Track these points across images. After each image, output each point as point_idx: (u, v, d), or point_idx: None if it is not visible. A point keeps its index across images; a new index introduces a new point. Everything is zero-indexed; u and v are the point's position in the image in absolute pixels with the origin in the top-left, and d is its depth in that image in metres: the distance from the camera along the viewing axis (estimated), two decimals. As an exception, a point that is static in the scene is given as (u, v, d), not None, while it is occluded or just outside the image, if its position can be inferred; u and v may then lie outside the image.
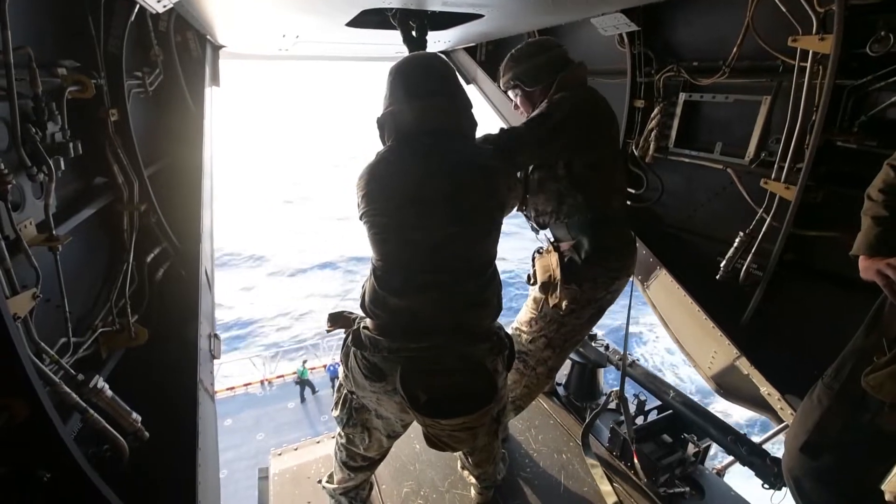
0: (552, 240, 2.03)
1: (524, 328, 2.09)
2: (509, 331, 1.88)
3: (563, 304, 1.90)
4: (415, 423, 1.67)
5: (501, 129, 1.82)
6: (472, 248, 1.46)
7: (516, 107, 2.07)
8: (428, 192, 1.37)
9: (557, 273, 1.89)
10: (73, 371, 1.19)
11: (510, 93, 2.04)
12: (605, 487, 2.20)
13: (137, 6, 1.62)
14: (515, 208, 1.99)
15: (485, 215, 1.46)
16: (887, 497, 1.28)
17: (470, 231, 1.44)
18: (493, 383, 1.46)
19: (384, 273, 1.44)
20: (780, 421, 2.33)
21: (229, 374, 14.40)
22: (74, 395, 1.12)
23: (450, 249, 1.41)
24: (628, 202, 3.22)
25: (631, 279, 2.06)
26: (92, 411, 1.16)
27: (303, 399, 13.67)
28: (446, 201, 1.38)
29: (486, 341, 1.51)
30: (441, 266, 1.42)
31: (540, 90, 1.92)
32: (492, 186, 1.46)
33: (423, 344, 1.41)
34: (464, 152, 1.46)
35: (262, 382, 14.14)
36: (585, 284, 1.87)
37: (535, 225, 2.05)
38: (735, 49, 2.38)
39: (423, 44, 2.28)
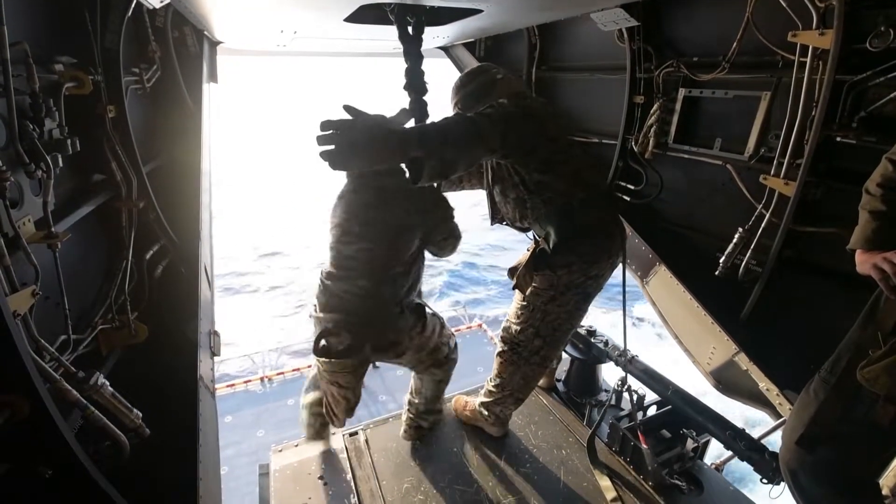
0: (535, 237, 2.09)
1: (513, 320, 2.14)
2: (503, 324, 2.18)
3: (527, 289, 2.00)
4: None
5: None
6: (378, 259, 1.82)
7: None
8: (365, 218, 1.79)
9: (524, 261, 1.99)
10: (73, 368, 1.19)
11: None
12: (605, 482, 2.21)
13: (134, 1, 1.61)
14: (494, 223, 2.20)
15: (389, 234, 1.81)
16: (884, 491, 1.29)
17: (377, 246, 1.82)
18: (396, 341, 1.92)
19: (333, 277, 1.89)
20: (779, 416, 2.34)
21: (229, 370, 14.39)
22: (75, 392, 1.11)
23: (367, 259, 1.81)
24: (628, 198, 3.22)
25: (621, 266, 2.07)
26: (92, 408, 1.16)
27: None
28: (369, 224, 1.80)
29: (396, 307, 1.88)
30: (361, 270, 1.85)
31: None
32: (400, 210, 1.80)
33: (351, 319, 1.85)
34: (397, 188, 1.79)
35: (262, 379, 14.13)
36: (560, 270, 1.91)
37: (517, 230, 2.14)
38: (735, 44, 2.37)
39: (419, 42, 2.27)
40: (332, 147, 1.29)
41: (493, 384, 2.33)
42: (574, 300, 1.98)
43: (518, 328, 2.11)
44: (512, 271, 2.03)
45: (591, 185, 1.97)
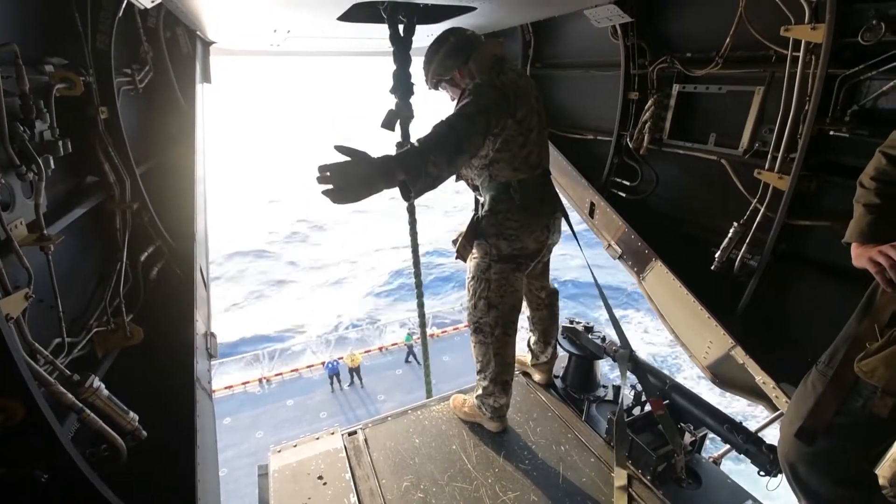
0: None
1: (469, 297, 2.24)
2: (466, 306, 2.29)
3: (467, 256, 2.18)
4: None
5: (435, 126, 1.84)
6: None
7: (452, 98, 2.16)
8: None
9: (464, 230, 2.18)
10: (68, 371, 1.19)
11: (442, 91, 2.16)
12: (619, 479, 2.21)
13: (125, 2, 1.60)
14: (458, 180, 2.21)
15: None
16: (881, 481, 1.29)
17: None
18: None
19: None
20: (776, 409, 2.36)
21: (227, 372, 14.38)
22: (70, 396, 1.11)
23: None
24: (623, 194, 3.23)
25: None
26: (88, 411, 1.15)
27: (407, 360, 15.06)
28: None
29: None
30: None
31: (458, 74, 2.02)
32: None
33: None
34: None
35: (260, 381, 14.13)
36: (490, 239, 2.08)
37: (472, 190, 2.27)
38: (728, 40, 2.38)
39: (409, 44, 2.30)
40: (331, 187, 1.42)
41: (476, 372, 2.40)
42: (509, 267, 2.12)
43: (473, 303, 2.22)
44: (455, 242, 2.20)
45: (535, 167, 2.09)
